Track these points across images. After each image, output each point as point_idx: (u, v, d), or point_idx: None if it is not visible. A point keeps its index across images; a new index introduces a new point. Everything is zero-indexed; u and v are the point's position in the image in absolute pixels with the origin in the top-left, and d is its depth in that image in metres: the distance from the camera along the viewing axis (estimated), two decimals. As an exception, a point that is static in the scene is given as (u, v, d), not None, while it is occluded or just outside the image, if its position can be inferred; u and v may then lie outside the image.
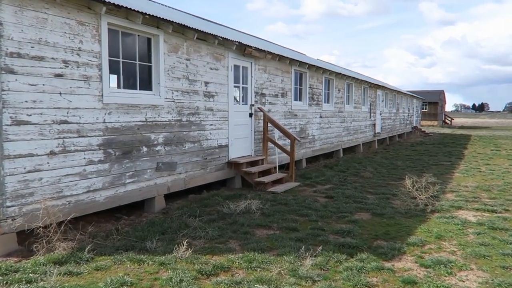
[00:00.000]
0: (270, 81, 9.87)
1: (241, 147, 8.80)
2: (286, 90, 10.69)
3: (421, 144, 22.03)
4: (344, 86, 15.25)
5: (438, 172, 11.10)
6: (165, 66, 6.54)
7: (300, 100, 11.86)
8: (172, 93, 6.73)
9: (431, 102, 47.72)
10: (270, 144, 9.38)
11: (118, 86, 5.85)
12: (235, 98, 8.85)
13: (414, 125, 32.62)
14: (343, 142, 15.36)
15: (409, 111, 30.22)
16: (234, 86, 8.48)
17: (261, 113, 9.33)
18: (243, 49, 8.38)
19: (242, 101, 8.89)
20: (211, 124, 7.77)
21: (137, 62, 6.22)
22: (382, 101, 21.41)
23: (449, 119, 54.67)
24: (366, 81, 17.38)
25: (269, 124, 9.22)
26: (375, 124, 19.95)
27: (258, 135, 9.37)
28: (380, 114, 20.99)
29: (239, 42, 8.03)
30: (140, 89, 6.27)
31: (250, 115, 9.07)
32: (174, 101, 6.78)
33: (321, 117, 13.14)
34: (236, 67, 8.59)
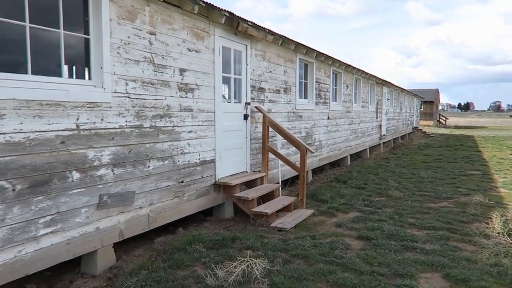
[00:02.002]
0: (270, 71, 7.47)
1: (232, 161, 6.38)
2: (289, 84, 8.30)
3: (428, 147, 19.92)
4: (352, 82, 12.94)
5: (478, 188, 8.88)
6: (113, 40, 4.08)
7: (305, 97, 9.49)
8: (126, 84, 4.28)
9: (427, 101, 45.92)
10: (271, 155, 6.98)
11: (24, 71, 3.41)
12: (223, 95, 6.42)
13: (415, 125, 30.61)
14: (350, 148, 13.06)
15: (410, 110, 28.16)
16: (223, 77, 6.05)
17: (260, 114, 6.93)
18: (235, 25, 5.96)
19: (234, 98, 6.47)
20: (190, 131, 5.33)
21: (61, 31, 3.74)
22: (388, 99, 19.20)
23: (444, 118, 53.05)
24: (374, 76, 15.10)
25: (270, 129, 6.82)
26: (381, 125, 17.73)
27: (255, 143, 6.97)
28: (386, 114, 18.78)
29: (229, 13, 5.60)
30: (68, 77, 3.79)
31: (245, 117, 6.66)
32: (129, 97, 4.32)
33: (328, 118, 10.80)
34: (226, 50, 6.17)
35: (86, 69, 4.00)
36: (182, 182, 5.22)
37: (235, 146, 6.43)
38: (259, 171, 7.14)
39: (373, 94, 16.05)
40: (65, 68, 3.84)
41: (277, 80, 7.75)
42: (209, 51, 5.68)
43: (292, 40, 7.68)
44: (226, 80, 6.23)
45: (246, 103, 6.65)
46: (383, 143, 18.40)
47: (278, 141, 7.34)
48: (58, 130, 3.57)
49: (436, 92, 50.71)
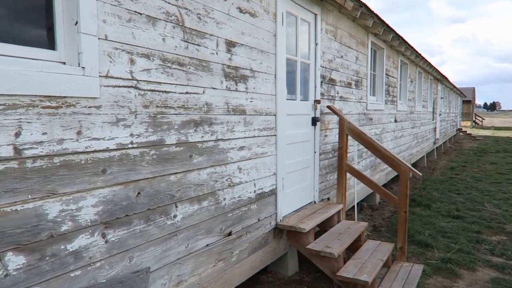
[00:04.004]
0: (341, 56, 5.26)
1: (297, 189, 4.21)
2: (361, 76, 6.08)
3: (483, 151, 17.31)
4: (416, 76, 10.60)
5: None
6: (103, -30, 1.97)
7: (374, 94, 7.24)
8: (131, 61, 2.16)
9: (465, 100, 42.73)
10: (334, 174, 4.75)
11: None
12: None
13: (459, 126, 27.82)
14: (412, 156, 10.71)
15: (455, 110, 25.44)
16: (287, 60, 3.89)
17: (331, 116, 4.77)
18: (306, -22, 3.79)
19: (300, 94, 4.27)
20: (242, 148, 3.19)
21: None
22: (442, 98, 16.70)
23: (480, 119, 49.59)
24: (436, 70, 12.66)
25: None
26: (435, 128, 15.27)
27: (324, 159, 4.79)
28: (440, 115, 16.29)
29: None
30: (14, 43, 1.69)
31: (314, 121, 4.47)
32: (137, 87, 2.20)
33: (395, 121, 8.51)
34: (290, 19, 4.01)
35: (47, 31, 1.93)
36: (230, 234, 3.08)
37: (301, 165, 4.26)
38: (328, 199, 4.95)
39: (431, 91, 13.63)
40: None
41: (349, 69, 5.54)
42: (269, 17, 3.52)
43: (372, 12, 5.44)
44: (288, 65, 4.06)
45: (315, 101, 4.46)
46: (436, 148, 15.91)
47: (355, 155, 5.14)
48: (-39, 164, 1.48)
49: (473, 90, 47.35)
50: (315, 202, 4.58)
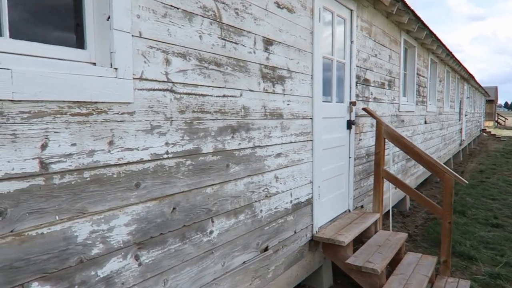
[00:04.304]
0: (375, 55, 4.96)
1: (332, 197, 3.94)
2: (393, 75, 5.76)
3: (510, 153, 16.66)
4: (444, 75, 10.18)
5: None
6: (137, -41, 1.74)
7: (405, 95, 6.90)
8: (167, 61, 1.93)
9: (487, 100, 41.58)
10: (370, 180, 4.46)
11: None
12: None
13: (482, 127, 27.02)
14: (439, 158, 10.27)
15: (479, 110, 24.69)
16: (322, 59, 3.62)
17: (366, 119, 4.49)
18: (345, -29, 3.52)
19: (336, 96, 4.00)
20: (279, 155, 2.94)
21: None
22: (468, 98, 16.14)
23: (503, 119, 48.22)
24: (465, 69, 12.17)
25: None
26: (461, 129, 14.74)
27: (358, 165, 4.50)
28: (466, 115, 15.74)
29: None
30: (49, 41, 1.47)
31: (349, 124, 4.19)
32: (173, 90, 1.97)
33: (425, 122, 8.14)
34: (326, 15, 3.74)
35: (75, 27, 1.71)
36: (266, 249, 2.83)
37: (336, 172, 3.98)
38: (361, 206, 4.67)
39: (458, 91, 13.14)
40: (5, 23, 1.52)
41: (382, 69, 5.23)
42: (306, 13, 3.26)
43: (409, 8, 5.11)
44: (323, 65, 3.79)
45: (351, 102, 4.18)
46: (461, 149, 15.37)
47: (390, 159, 4.83)
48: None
49: (495, 90, 46.07)
50: (349, 211, 4.30)
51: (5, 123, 1.31)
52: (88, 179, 1.58)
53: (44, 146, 1.43)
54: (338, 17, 3.90)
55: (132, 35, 1.74)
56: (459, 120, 13.91)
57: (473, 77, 15.01)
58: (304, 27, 3.22)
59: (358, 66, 4.37)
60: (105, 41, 1.67)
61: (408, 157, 6.78)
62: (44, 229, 1.44)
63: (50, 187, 1.45)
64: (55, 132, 1.46)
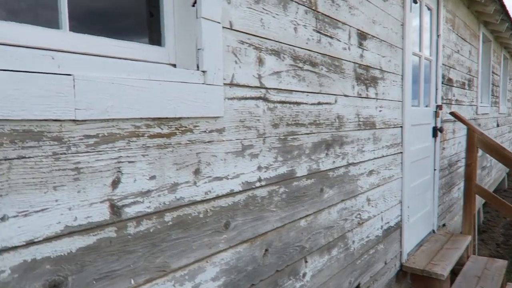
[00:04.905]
0: (458, 51, 4.33)
1: (418, 216, 3.37)
2: (472, 74, 5.07)
3: None
4: (514, 72, 9.23)
5: None
6: None
7: (481, 95, 6.15)
8: (260, 61, 1.48)
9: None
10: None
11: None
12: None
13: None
14: (507, 164, 9.30)
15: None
16: (413, 55, 3.07)
17: (448, 125, 3.88)
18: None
19: (423, 98, 3.43)
20: (371, 172, 2.43)
21: None
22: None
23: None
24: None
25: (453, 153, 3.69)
26: (525, 130, 13.49)
27: (441, 177, 3.90)
28: (529, 115, 14.43)
29: None
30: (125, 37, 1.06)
31: (435, 131, 3.61)
32: (266, 98, 1.52)
33: (497, 125, 7.32)
34: (414, 4, 3.18)
35: (147, 18, 1.31)
36: (358, 287, 2.33)
37: (422, 188, 3.41)
38: (443, 225, 4.05)
39: (523, 89, 12.00)
40: (65, 16, 1.11)
41: (463, 67, 4.58)
42: (397, 1, 2.73)
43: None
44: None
45: (437, 106, 3.59)
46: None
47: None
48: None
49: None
50: (434, 231, 3.71)
51: (65, 154, 0.90)
52: (170, 223, 1.16)
53: (115, 183, 1.01)
54: (425, 7, 3.34)
55: (223, 27, 1.30)
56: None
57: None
58: (395, 18, 2.69)
59: (443, 64, 3.77)
60: (189, 35, 1.24)
61: (484, 165, 6.06)
62: (115, 299, 1.02)
63: (124, 240, 1.03)
64: (129, 162, 1.04)
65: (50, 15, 1.05)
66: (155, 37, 1.28)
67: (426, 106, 3.50)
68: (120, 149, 1.02)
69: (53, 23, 1.02)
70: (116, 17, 1.29)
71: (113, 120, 1.00)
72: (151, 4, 1.30)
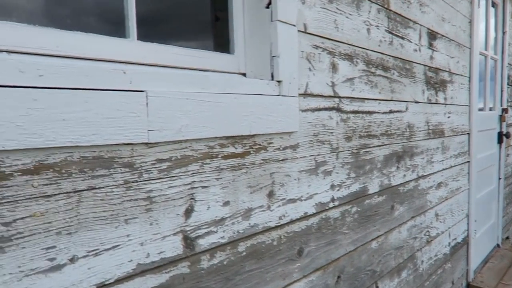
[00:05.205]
0: (522, 48, 3.98)
1: (483, 230, 3.09)
2: (535, 72, 4.67)
3: None
4: None
5: None
6: None
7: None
8: (333, 67, 1.32)
9: None
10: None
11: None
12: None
13: None
14: None
15: None
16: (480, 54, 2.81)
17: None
18: None
19: (489, 101, 3.15)
20: (439, 185, 2.21)
21: None
22: None
23: None
24: None
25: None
26: None
27: (505, 186, 3.59)
28: None
29: None
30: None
31: (501, 137, 3.31)
32: (339, 108, 1.36)
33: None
34: (483, 0, 2.92)
35: (213, 22, 1.19)
36: (427, 311, 2.13)
37: (487, 199, 3.14)
38: (507, 238, 3.73)
39: None
40: (133, 22, 1.00)
41: (527, 65, 4.22)
42: (466, -4, 2.50)
43: None
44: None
45: (503, 109, 3.30)
46: None
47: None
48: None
49: None
50: (498, 246, 3.41)
51: (136, 181, 0.79)
52: (244, 253, 1.02)
53: (188, 212, 0.89)
54: (493, 2, 3.06)
55: (297, 28, 1.16)
56: None
57: None
58: (463, 15, 2.45)
59: (509, 64, 3.47)
60: (262, 40, 1.10)
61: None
62: None
63: (197, 275, 0.91)
64: (202, 187, 0.92)
65: (114, 22, 0.94)
66: (221, 43, 1.16)
67: (490, 109, 3.22)
68: (194, 173, 0.90)
69: (119, 32, 0.91)
70: (176, 21, 1.18)
71: (186, 141, 0.88)
72: (217, 7, 1.18)
